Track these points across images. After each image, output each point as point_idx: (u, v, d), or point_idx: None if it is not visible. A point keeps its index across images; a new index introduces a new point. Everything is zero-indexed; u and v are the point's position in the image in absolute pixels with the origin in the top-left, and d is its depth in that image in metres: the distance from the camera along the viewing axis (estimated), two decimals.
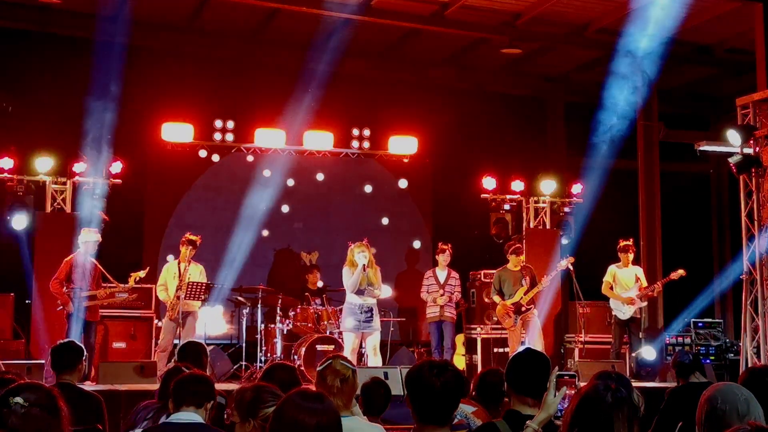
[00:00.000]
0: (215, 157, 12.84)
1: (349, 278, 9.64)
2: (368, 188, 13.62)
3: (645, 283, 11.01)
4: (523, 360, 3.56)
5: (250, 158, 12.92)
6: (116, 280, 9.90)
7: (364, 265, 9.55)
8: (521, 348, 4.29)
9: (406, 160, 13.56)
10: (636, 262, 11.41)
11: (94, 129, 10.41)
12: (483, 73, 14.32)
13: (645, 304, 11.15)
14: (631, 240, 11.13)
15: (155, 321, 10.92)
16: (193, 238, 10.26)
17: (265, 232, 12.74)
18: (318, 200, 13.32)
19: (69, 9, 11.88)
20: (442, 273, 11.11)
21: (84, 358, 5.59)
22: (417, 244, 13.66)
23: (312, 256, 12.93)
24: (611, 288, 10.98)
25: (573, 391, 3.11)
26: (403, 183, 13.73)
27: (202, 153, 12.62)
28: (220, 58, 13.01)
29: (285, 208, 12.97)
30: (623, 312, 10.91)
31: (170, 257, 11.68)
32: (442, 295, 10.85)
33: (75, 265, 9.60)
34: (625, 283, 10.94)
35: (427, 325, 11.24)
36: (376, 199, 13.63)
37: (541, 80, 14.68)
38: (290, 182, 12.91)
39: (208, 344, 7.44)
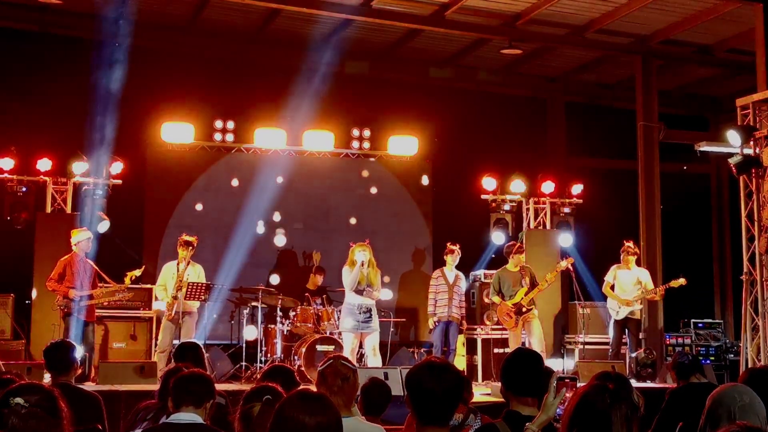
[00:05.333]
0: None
1: (348, 276, 9.67)
2: (368, 189, 13.60)
3: (651, 286, 10.96)
4: (515, 361, 3.60)
5: (250, 158, 12.91)
6: (116, 280, 9.90)
7: (362, 261, 9.58)
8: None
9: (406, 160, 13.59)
10: (636, 262, 11.35)
11: (94, 129, 10.41)
12: (483, 73, 14.31)
13: (640, 306, 11.08)
14: (632, 242, 11.06)
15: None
16: (189, 239, 10.24)
17: (265, 233, 12.74)
18: (318, 201, 13.31)
19: (69, 9, 11.87)
20: (450, 273, 11.08)
21: (77, 356, 5.55)
22: (417, 245, 13.63)
23: (316, 256, 12.92)
24: (612, 288, 10.96)
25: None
26: (425, 180, 13.79)
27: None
28: (220, 58, 13.00)
29: (285, 209, 12.95)
30: (618, 312, 10.87)
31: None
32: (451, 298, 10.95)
33: (70, 265, 9.59)
34: (624, 284, 10.90)
35: (432, 324, 11.17)
36: (376, 200, 13.60)
37: (541, 80, 14.67)
38: (290, 182, 12.89)
39: (208, 345, 7.44)
